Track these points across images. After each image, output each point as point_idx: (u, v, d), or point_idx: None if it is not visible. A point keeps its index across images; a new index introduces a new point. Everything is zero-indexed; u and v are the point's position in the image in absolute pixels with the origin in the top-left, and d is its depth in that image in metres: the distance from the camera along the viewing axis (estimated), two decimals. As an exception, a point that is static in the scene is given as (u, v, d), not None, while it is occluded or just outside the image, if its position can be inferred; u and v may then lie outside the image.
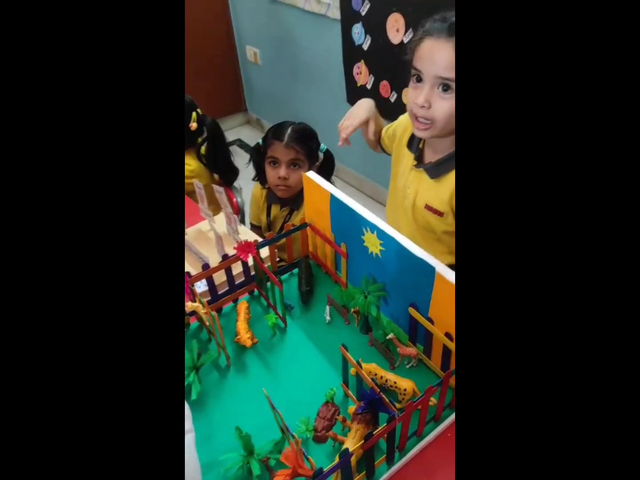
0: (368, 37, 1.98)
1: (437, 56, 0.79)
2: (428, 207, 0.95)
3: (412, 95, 0.85)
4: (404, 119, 1.05)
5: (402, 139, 1.03)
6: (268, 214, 1.37)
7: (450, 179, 0.91)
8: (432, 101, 0.82)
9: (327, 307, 0.88)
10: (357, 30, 2.02)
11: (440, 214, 0.94)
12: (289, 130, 1.24)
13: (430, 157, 0.95)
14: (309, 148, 1.25)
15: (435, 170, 0.93)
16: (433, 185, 0.94)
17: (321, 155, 1.30)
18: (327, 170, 1.33)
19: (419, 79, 0.83)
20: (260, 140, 1.31)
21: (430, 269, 0.64)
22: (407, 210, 1.01)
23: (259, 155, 1.30)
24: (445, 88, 0.80)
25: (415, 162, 0.97)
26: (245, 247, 0.83)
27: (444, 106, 0.82)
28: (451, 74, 0.78)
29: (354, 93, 2.27)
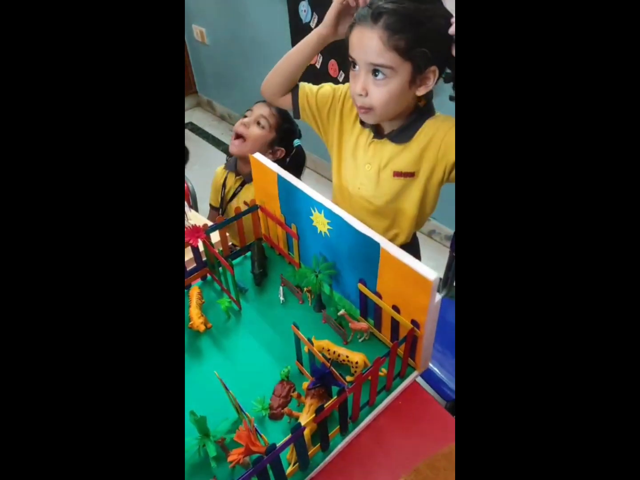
0: (315, 15, 1.96)
1: (366, 43, 0.78)
2: (397, 174, 0.94)
3: (352, 85, 0.86)
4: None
5: (349, 116, 1.00)
6: (224, 186, 1.43)
7: (416, 140, 0.91)
8: (368, 89, 0.83)
9: (281, 288, 0.89)
10: (304, 8, 1.98)
11: (411, 174, 0.93)
12: None
13: (387, 128, 0.94)
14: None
15: (401, 136, 0.92)
16: (399, 151, 0.93)
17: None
18: (295, 165, 1.40)
19: (354, 66, 0.84)
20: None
21: (375, 245, 0.65)
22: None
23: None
24: (377, 74, 0.80)
25: (372, 136, 0.95)
26: (193, 232, 0.82)
27: (379, 93, 0.82)
28: (380, 60, 0.78)
29: (305, 72, 2.24)
